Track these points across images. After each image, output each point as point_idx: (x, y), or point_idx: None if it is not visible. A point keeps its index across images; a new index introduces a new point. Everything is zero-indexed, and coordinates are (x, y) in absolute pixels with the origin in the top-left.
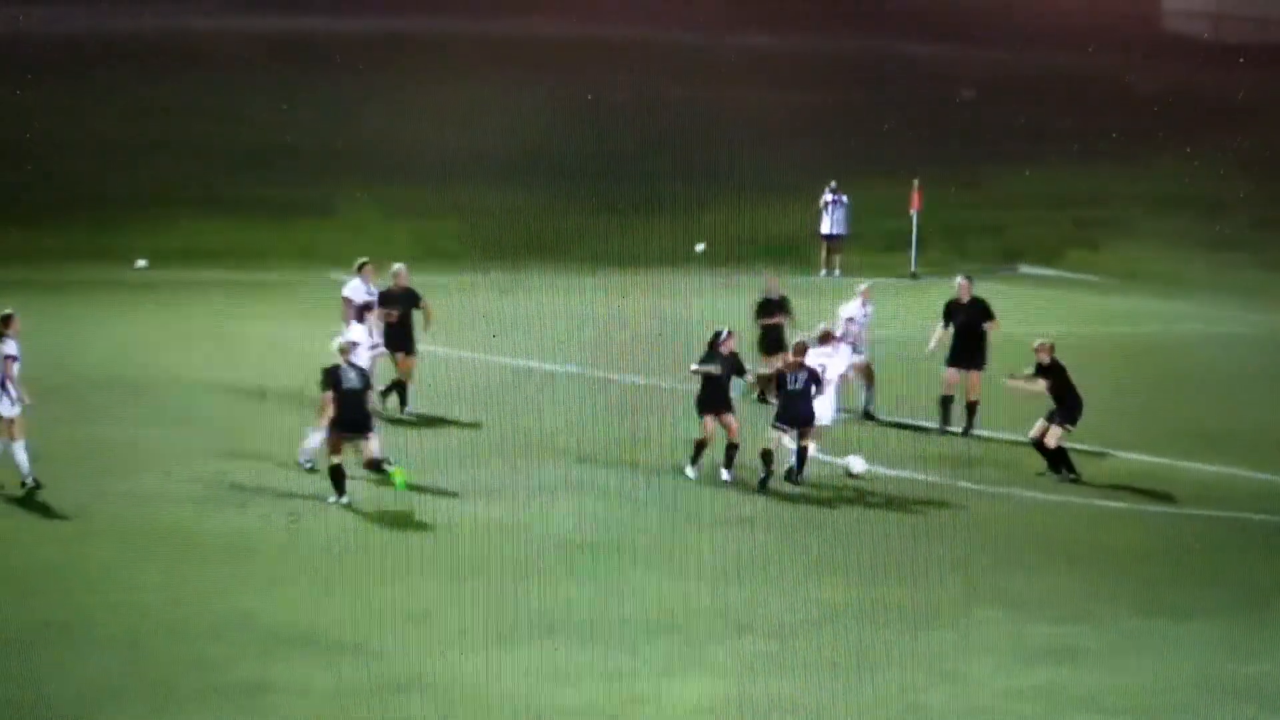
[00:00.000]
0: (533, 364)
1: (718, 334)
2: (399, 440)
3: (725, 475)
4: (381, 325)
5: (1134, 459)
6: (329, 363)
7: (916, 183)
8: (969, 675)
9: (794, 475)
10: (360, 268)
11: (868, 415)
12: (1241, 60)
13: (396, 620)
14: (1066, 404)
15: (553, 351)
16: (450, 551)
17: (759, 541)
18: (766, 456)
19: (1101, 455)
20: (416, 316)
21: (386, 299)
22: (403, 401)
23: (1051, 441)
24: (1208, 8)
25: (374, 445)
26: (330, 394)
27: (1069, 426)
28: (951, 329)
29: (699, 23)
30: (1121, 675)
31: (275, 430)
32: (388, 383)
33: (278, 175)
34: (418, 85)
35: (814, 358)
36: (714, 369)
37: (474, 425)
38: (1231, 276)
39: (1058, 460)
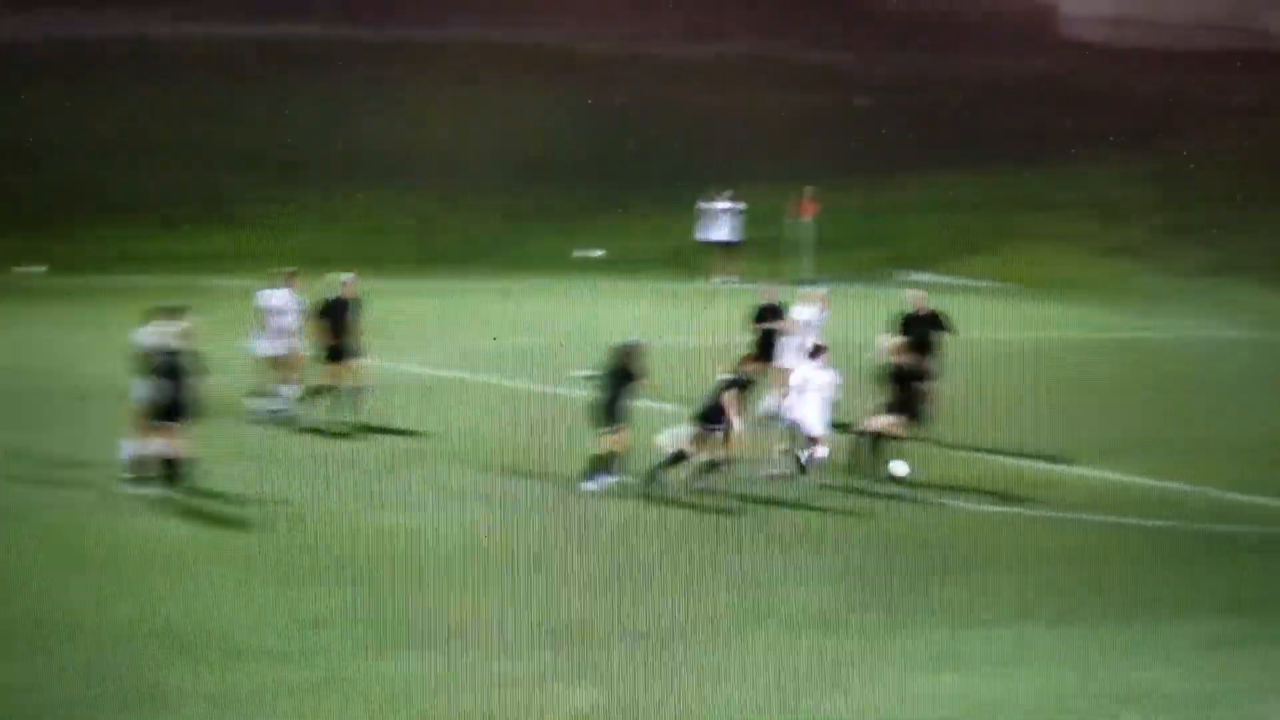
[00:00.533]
0: (436, 371)
1: (623, 345)
2: (301, 448)
3: (589, 486)
4: (294, 332)
5: (1024, 465)
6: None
7: (809, 190)
8: (851, 681)
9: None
10: (288, 277)
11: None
12: (1139, 64)
13: (292, 625)
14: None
15: (457, 358)
16: (347, 558)
17: (648, 549)
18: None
19: (993, 460)
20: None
21: (334, 307)
22: (351, 409)
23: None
24: (1105, 12)
25: (176, 441)
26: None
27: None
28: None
29: (608, 30)
30: (1010, 682)
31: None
32: (310, 389)
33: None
34: (299, 90)
35: (809, 370)
36: (608, 377)
37: (378, 432)
38: (1131, 282)
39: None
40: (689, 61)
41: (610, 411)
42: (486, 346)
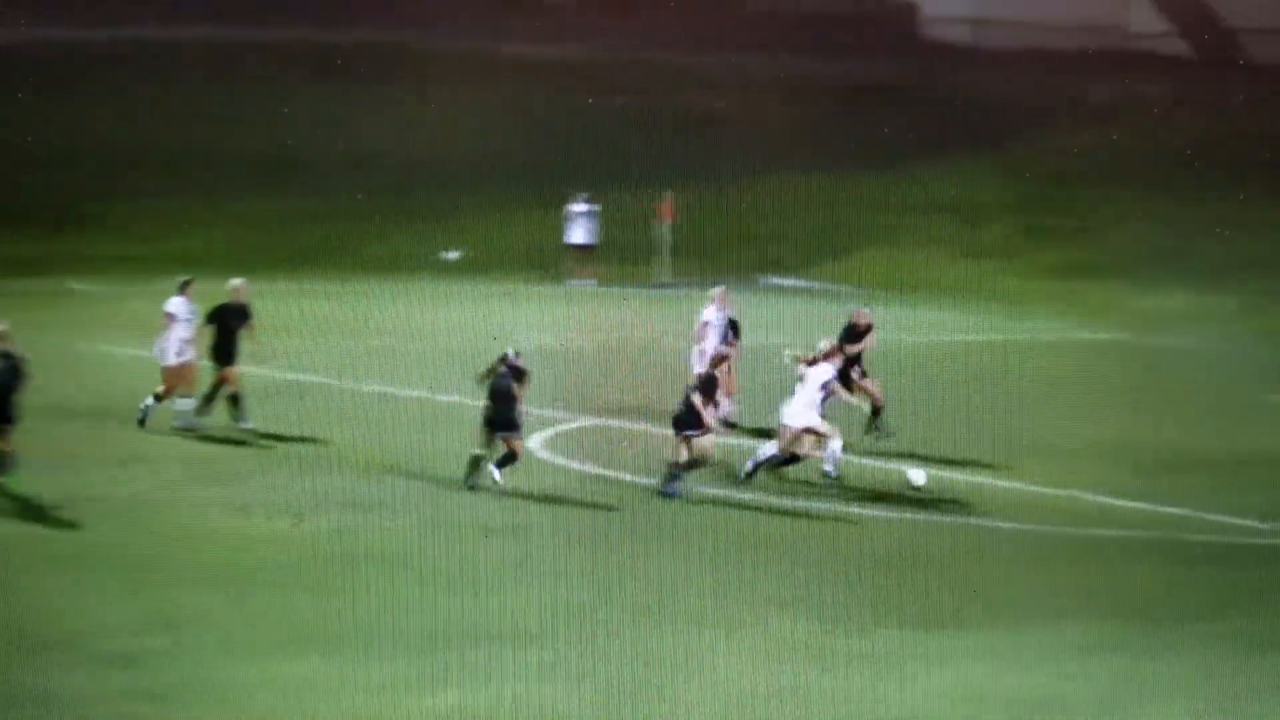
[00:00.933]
0: (306, 377)
1: (514, 351)
2: (172, 450)
3: (498, 476)
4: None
5: (882, 467)
6: None
7: (669, 194)
8: (724, 676)
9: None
10: (184, 285)
11: (728, 424)
12: (999, 64)
13: (163, 629)
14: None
15: (324, 363)
16: (221, 562)
17: (525, 550)
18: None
19: (854, 463)
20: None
21: (224, 312)
22: (237, 414)
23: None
24: (965, 12)
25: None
26: None
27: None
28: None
29: (471, 30)
30: (882, 683)
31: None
32: (203, 395)
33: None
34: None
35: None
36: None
37: (252, 436)
38: (991, 284)
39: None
40: (552, 61)
41: (508, 417)
42: (352, 350)
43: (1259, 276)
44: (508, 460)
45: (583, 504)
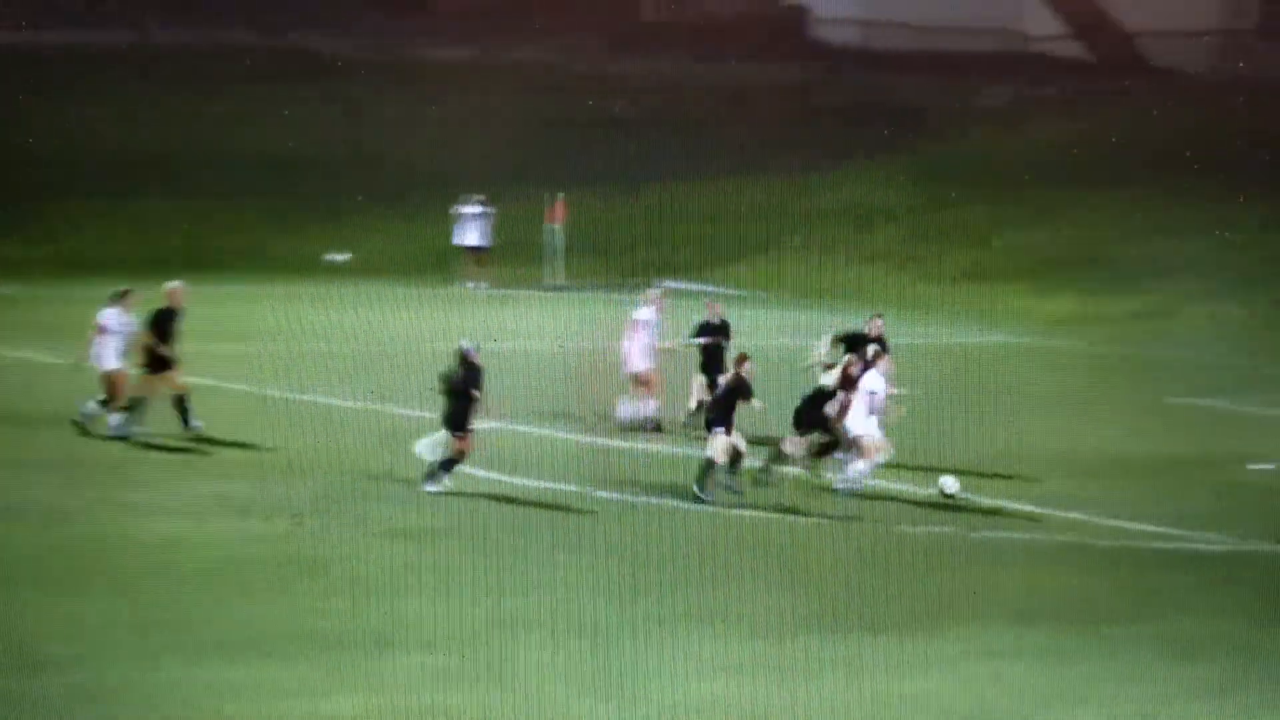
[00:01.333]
0: (218, 382)
1: (465, 349)
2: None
3: (430, 487)
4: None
5: (786, 472)
6: None
7: (561, 196)
8: (633, 688)
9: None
10: (120, 295)
11: (656, 428)
12: (891, 67)
13: (76, 635)
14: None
15: (235, 368)
16: (118, 566)
17: (427, 555)
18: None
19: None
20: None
21: (160, 316)
22: (182, 420)
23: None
24: (856, 14)
25: None
26: None
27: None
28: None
29: (361, 33)
30: (789, 689)
31: None
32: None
33: None
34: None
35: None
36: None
37: (193, 441)
38: (886, 289)
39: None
40: (444, 64)
41: (458, 416)
42: (244, 354)
43: (1155, 280)
44: (452, 463)
45: (490, 510)
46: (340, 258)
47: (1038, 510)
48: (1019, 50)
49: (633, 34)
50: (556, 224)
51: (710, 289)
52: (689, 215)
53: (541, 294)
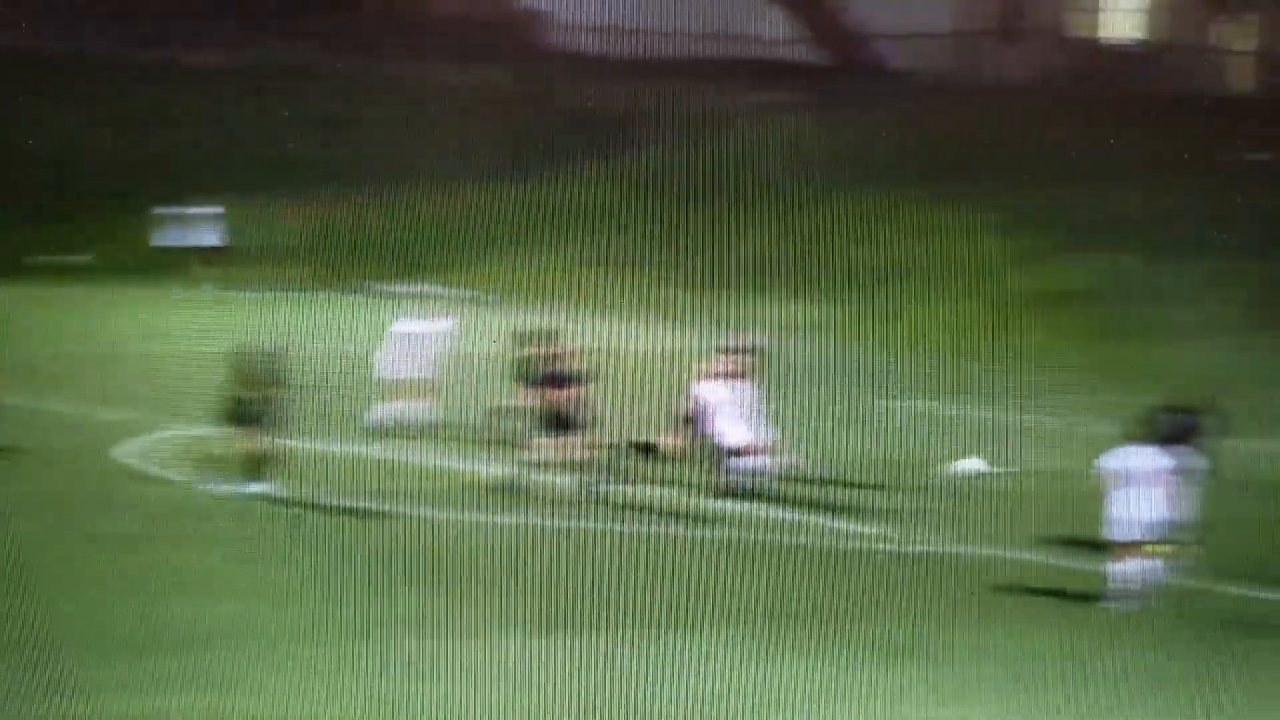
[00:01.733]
0: None
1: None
2: None
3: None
4: None
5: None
6: None
7: (296, 198)
8: (408, 692)
9: None
10: None
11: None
12: (629, 73)
13: None
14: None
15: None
16: None
17: (176, 560)
18: None
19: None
20: None
21: None
22: None
23: None
24: (590, 20)
25: None
26: None
27: None
28: None
29: (119, 33)
30: (532, 693)
31: None
32: None
33: None
34: None
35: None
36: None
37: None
38: (614, 292)
39: None
40: (194, 65)
41: (252, 414)
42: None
43: (871, 285)
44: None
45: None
46: (69, 259)
47: (746, 508)
48: (752, 54)
49: (375, 33)
50: (292, 225)
51: (441, 291)
52: (419, 218)
53: (275, 295)
